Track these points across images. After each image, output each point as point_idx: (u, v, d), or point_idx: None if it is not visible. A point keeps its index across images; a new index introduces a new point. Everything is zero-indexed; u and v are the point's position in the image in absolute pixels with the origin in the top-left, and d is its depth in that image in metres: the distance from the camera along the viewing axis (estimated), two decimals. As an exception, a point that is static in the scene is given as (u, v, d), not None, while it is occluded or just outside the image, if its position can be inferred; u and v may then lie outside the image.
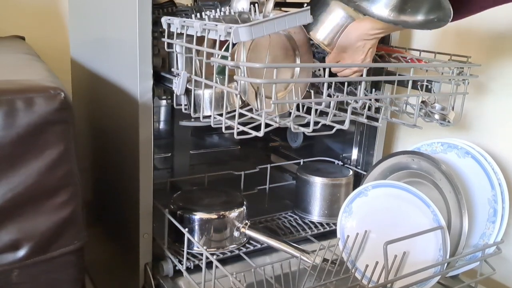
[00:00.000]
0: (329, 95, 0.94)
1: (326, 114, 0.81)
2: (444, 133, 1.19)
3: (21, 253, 0.70)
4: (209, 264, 0.84)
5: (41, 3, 1.37)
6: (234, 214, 0.98)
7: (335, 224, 1.08)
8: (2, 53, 1.00)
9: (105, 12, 1.00)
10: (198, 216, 0.96)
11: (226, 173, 1.25)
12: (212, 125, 0.80)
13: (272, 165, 1.27)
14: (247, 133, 0.74)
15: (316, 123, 0.78)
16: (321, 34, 0.90)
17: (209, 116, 0.81)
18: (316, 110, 0.81)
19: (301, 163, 1.31)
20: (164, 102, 1.23)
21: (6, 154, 0.66)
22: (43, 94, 0.67)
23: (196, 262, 0.93)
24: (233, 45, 0.74)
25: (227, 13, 0.85)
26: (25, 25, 1.36)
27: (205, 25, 0.74)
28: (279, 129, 1.54)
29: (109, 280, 1.18)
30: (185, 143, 1.42)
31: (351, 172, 1.19)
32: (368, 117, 0.93)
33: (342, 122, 0.79)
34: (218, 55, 0.73)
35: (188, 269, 0.91)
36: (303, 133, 0.75)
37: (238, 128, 0.74)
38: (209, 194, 1.06)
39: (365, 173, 1.17)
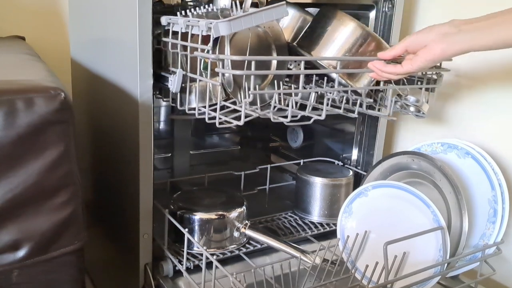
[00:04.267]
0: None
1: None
2: (444, 133, 1.20)
3: (21, 253, 0.70)
4: (209, 264, 0.84)
5: (41, 3, 1.37)
6: (234, 214, 0.98)
7: (335, 224, 1.08)
8: (2, 53, 1.00)
9: (105, 12, 1.00)
10: (198, 216, 0.96)
11: (226, 174, 1.25)
12: (197, 116, 0.85)
13: (272, 165, 1.27)
14: (230, 123, 0.80)
15: (297, 114, 0.85)
16: (329, 54, 0.92)
17: (194, 108, 0.86)
18: (297, 103, 0.87)
19: (301, 164, 1.31)
20: (164, 102, 1.24)
21: (6, 154, 0.66)
22: (43, 94, 0.67)
23: (196, 262, 0.93)
24: (216, 40, 0.80)
25: (209, 10, 0.88)
26: (25, 25, 1.36)
27: (189, 21, 0.79)
28: (279, 130, 1.55)
29: (109, 280, 1.18)
30: (185, 143, 1.42)
31: (351, 173, 1.19)
32: (346, 110, 0.96)
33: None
34: (202, 49, 0.78)
35: (188, 269, 0.91)
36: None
37: (220, 118, 0.80)
38: (209, 194, 1.06)
39: (365, 173, 1.17)
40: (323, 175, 1.16)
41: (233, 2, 0.85)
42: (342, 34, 0.93)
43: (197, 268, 0.92)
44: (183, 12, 0.86)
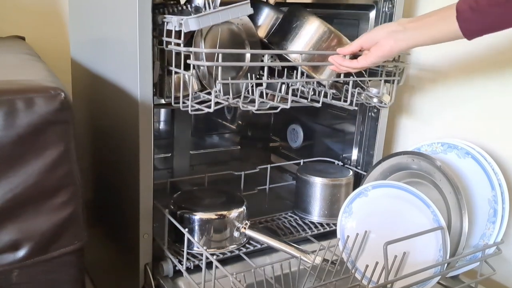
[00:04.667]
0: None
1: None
2: (444, 133, 1.20)
3: (21, 253, 0.70)
4: (209, 264, 0.84)
5: (41, 3, 1.37)
6: (234, 214, 0.98)
7: (335, 224, 1.08)
8: (2, 53, 1.00)
9: (105, 12, 1.00)
10: (198, 216, 0.96)
11: (226, 174, 1.25)
12: (173, 104, 0.92)
13: (272, 165, 1.27)
14: (202, 110, 0.89)
15: (265, 103, 0.96)
16: (296, 49, 1.01)
17: (170, 97, 0.93)
18: (267, 94, 0.97)
19: (301, 164, 1.31)
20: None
21: (6, 154, 0.66)
22: (43, 94, 0.67)
23: (196, 262, 0.93)
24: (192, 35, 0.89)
25: (184, 8, 0.96)
26: (25, 25, 1.36)
27: (165, 18, 0.87)
28: (279, 130, 1.55)
29: (109, 280, 1.18)
30: (185, 143, 1.42)
31: (351, 173, 1.19)
32: (313, 100, 1.03)
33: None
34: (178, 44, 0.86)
35: (188, 269, 0.91)
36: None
37: (193, 106, 0.89)
38: (209, 194, 1.06)
39: (365, 173, 1.17)
40: (323, 175, 1.16)
41: (206, 1, 0.92)
42: (307, 31, 1.00)
43: (197, 268, 0.92)
44: (161, 10, 0.92)
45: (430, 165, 0.99)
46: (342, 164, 1.30)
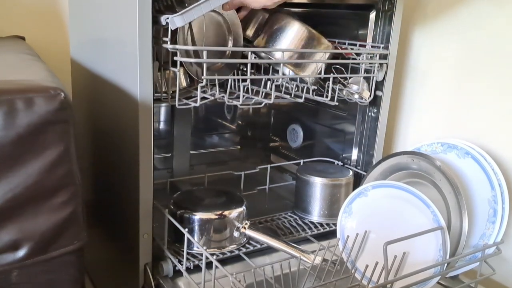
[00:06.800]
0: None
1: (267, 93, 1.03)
2: (444, 133, 1.20)
3: (21, 253, 0.70)
4: (209, 264, 0.84)
5: (41, 3, 1.37)
6: (234, 214, 0.98)
7: (335, 224, 1.08)
8: (2, 53, 1.00)
9: (105, 12, 1.00)
10: (198, 216, 0.96)
11: (226, 173, 1.25)
12: (162, 99, 0.96)
13: (272, 165, 1.27)
14: (188, 105, 0.94)
15: (251, 98, 1.03)
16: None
17: (159, 93, 0.97)
18: (253, 90, 1.05)
19: (301, 164, 1.31)
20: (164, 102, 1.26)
21: (6, 154, 0.66)
22: (43, 94, 0.67)
23: (196, 262, 0.93)
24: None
25: (169, 3, 0.99)
26: (25, 25, 1.36)
27: (155, 16, 0.87)
28: (279, 130, 1.55)
29: (109, 280, 1.18)
30: (185, 143, 1.42)
31: (351, 173, 1.19)
32: (296, 96, 1.08)
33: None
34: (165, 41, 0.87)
35: (188, 269, 0.91)
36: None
37: (180, 101, 0.93)
38: (209, 194, 1.06)
39: (365, 173, 1.17)
40: (323, 175, 1.16)
41: None
42: (289, 33, 1.05)
43: (197, 268, 0.92)
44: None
45: (430, 165, 0.99)
46: (342, 164, 1.30)
